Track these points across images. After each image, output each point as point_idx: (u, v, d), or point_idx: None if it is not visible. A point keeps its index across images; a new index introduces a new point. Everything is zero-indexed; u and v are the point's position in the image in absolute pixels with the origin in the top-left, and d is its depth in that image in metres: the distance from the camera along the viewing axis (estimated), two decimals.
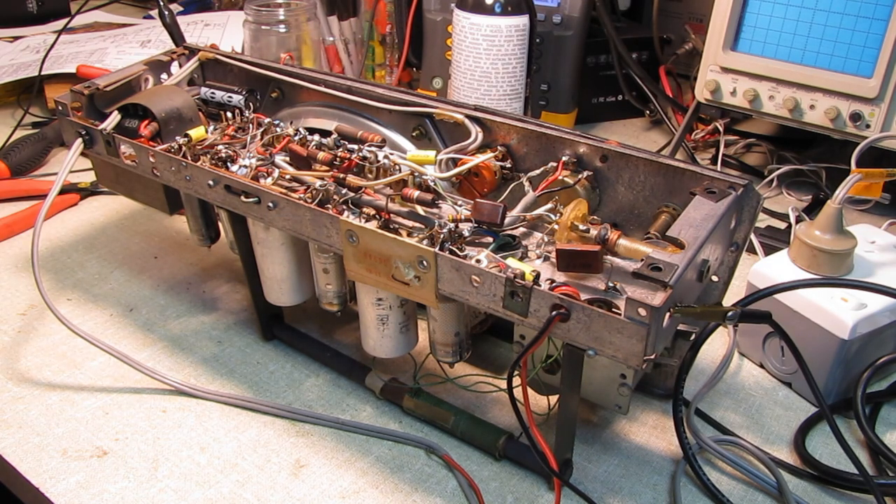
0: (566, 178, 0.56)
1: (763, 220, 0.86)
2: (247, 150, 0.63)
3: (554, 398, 0.58)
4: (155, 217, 0.87)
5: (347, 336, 0.69)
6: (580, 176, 0.56)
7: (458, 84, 0.90)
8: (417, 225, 0.55)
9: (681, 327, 0.57)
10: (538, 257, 0.52)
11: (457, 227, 0.51)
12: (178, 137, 0.62)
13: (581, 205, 0.52)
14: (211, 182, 0.58)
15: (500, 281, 0.46)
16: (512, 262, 0.48)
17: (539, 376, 0.56)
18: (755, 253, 0.79)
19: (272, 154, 0.61)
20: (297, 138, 0.62)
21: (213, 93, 0.73)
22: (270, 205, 0.56)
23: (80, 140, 0.66)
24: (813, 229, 0.62)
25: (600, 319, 0.43)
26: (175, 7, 1.45)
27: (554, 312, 0.44)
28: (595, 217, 0.53)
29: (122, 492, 0.53)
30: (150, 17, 1.46)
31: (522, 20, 0.86)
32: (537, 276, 0.46)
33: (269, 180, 0.57)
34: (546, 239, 0.53)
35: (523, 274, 0.45)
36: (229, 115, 0.68)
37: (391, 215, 0.55)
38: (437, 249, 0.48)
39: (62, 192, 0.77)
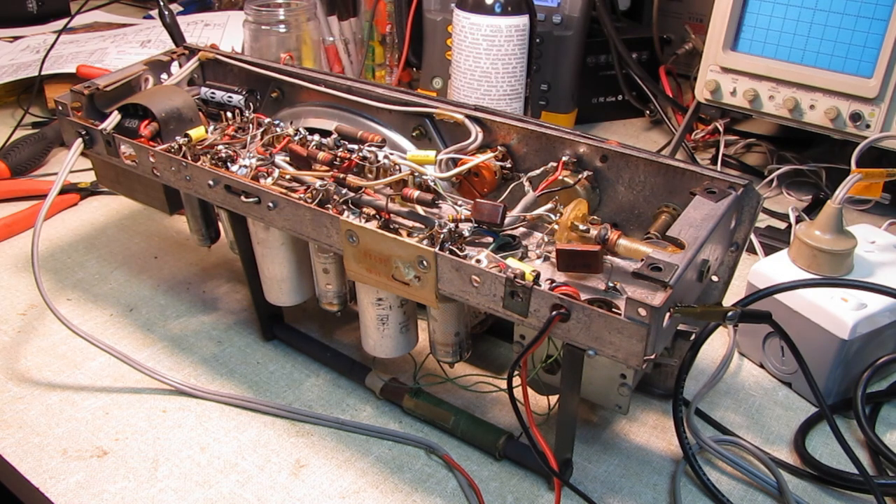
0: (566, 178, 0.56)
1: (763, 220, 0.86)
2: (247, 150, 0.63)
3: (554, 398, 0.58)
4: (155, 217, 0.87)
5: (347, 336, 0.69)
6: (580, 176, 0.56)
7: (458, 84, 0.90)
8: (417, 225, 0.55)
9: (681, 327, 0.57)
10: (538, 257, 0.52)
11: (457, 227, 0.51)
12: (178, 137, 0.62)
13: (581, 205, 0.52)
14: (211, 182, 0.58)
15: (500, 281, 0.46)
16: (512, 262, 0.48)
17: (539, 376, 0.56)
18: (755, 253, 0.79)
19: (272, 154, 0.61)
20: (297, 138, 0.62)
21: (213, 93, 0.72)
22: (270, 205, 0.56)
23: (80, 140, 0.66)
24: (813, 229, 0.62)
25: (600, 319, 0.43)
26: (175, 7, 1.45)
27: (554, 312, 0.44)
28: (595, 217, 0.53)
29: (122, 492, 0.53)
30: (150, 17, 1.46)
31: (522, 20, 0.86)
32: (537, 276, 0.46)
33: (269, 180, 0.57)
34: (546, 239, 0.53)
35: (523, 274, 0.45)
36: (229, 115, 0.68)
37: (391, 215, 0.55)
38: (437, 249, 0.48)
39: (62, 192, 0.77)
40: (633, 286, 0.47)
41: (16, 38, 1.32)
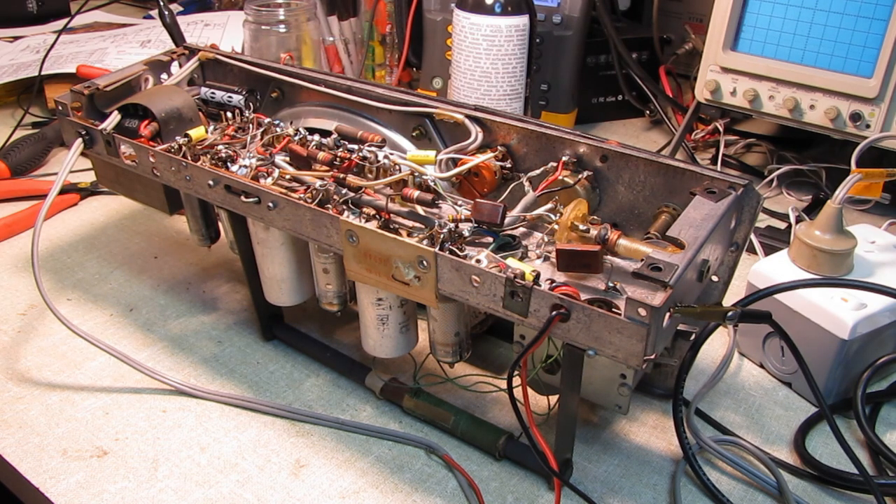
0: (566, 178, 0.56)
1: (763, 220, 0.86)
2: (247, 150, 0.63)
3: (554, 398, 0.58)
4: (155, 217, 0.87)
5: (347, 336, 0.69)
6: (580, 176, 0.56)
7: (458, 84, 0.90)
8: (417, 225, 0.55)
9: (681, 327, 0.57)
10: (538, 257, 0.52)
11: (457, 227, 0.51)
12: (178, 137, 0.62)
13: (581, 205, 0.52)
14: (211, 182, 0.58)
15: (500, 281, 0.46)
16: (512, 262, 0.48)
17: (539, 376, 0.56)
18: (755, 253, 0.79)
19: (272, 154, 0.61)
20: (297, 138, 0.62)
21: (213, 93, 0.72)
22: (270, 205, 0.56)
23: (80, 140, 0.66)
24: (813, 229, 0.62)
25: (600, 319, 0.43)
26: (175, 7, 1.45)
27: (554, 312, 0.44)
28: (595, 217, 0.53)
29: (122, 492, 0.53)
30: (150, 17, 1.46)
31: (522, 20, 0.86)
32: (537, 276, 0.46)
33: (269, 180, 0.57)
34: (546, 239, 0.53)
35: (523, 274, 0.45)
36: (229, 115, 0.68)
37: (391, 215, 0.55)
38: (437, 249, 0.48)
39: (62, 192, 0.77)
40: (633, 286, 0.47)
41: (16, 38, 1.32)
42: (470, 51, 0.87)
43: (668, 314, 0.43)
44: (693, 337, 0.57)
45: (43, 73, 1.07)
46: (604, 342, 0.44)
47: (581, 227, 0.50)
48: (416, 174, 0.56)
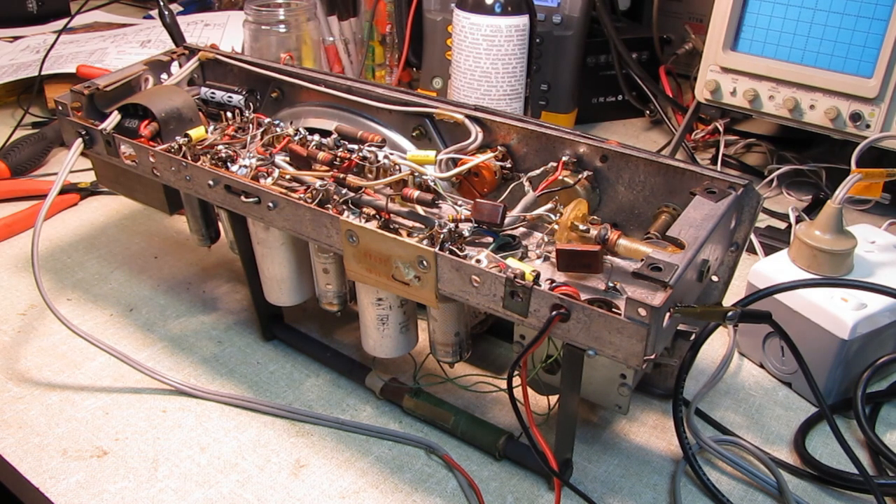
0: (566, 178, 0.56)
1: (763, 220, 0.86)
2: (247, 150, 0.63)
3: (554, 398, 0.58)
4: (155, 217, 0.87)
5: (347, 336, 0.69)
6: (580, 176, 0.56)
7: (458, 84, 0.90)
8: (417, 225, 0.55)
9: (681, 327, 0.57)
10: (538, 257, 0.52)
11: (457, 227, 0.51)
12: (178, 137, 0.62)
13: (581, 205, 0.52)
14: (211, 182, 0.58)
15: (500, 281, 0.46)
16: (512, 262, 0.48)
17: (539, 376, 0.56)
18: (755, 253, 0.79)
19: (272, 154, 0.61)
20: (297, 138, 0.62)
21: (213, 93, 0.72)
22: (270, 205, 0.56)
23: (80, 140, 0.66)
24: (813, 229, 0.62)
25: (600, 319, 0.43)
26: (175, 7, 1.45)
27: (554, 312, 0.44)
28: (595, 217, 0.53)
29: (122, 492, 0.53)
30: (150, 17, 1.46)
31: (522, 20, 0.86)
32: (537, 276, 0.46)
33: (269, 180, 0.57)
34: (546, 239, 0.53)
35: (523, 274, 0.45)
36: (229, 115, 0.68)
37: (391, 215, 0.55)
38: (437, 249, 0.48)
39: (62, 192, 0.77)
40: (633, 286, 0.47)
41: (16, 38, 1.32)
42: (470, 51, 0.87)
43: (668, 314, 0.43)
44: (693, 337, 0.57)
45: (43, 73, 1.07)
46: (604, 342, 0.44)
47: (581, 227, 0.50)
48: (416, 174, 0.56)
